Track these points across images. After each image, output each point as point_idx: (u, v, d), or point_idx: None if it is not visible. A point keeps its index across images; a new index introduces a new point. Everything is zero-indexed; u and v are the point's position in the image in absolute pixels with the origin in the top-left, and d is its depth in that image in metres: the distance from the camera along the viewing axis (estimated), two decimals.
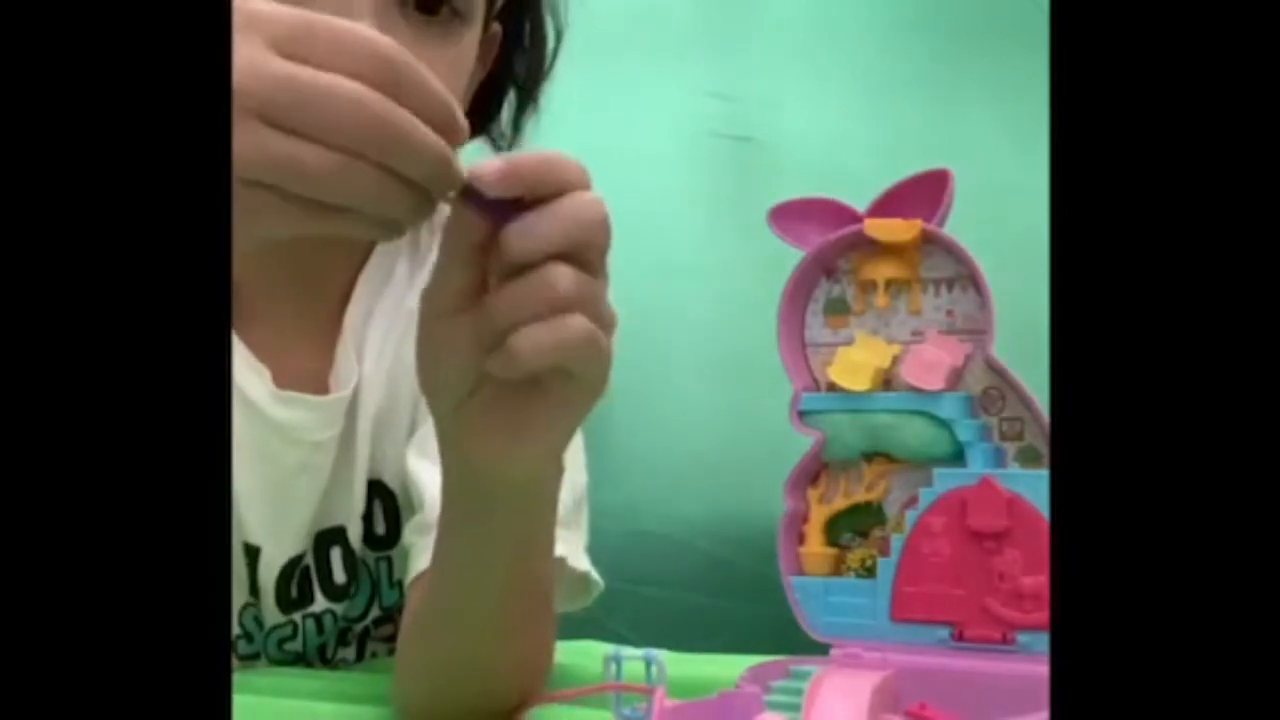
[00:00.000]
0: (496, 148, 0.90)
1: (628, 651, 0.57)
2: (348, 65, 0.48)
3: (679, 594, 1.50)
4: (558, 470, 0.63)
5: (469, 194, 0.52)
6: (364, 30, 0.49)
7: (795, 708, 0.56)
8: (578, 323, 0.52)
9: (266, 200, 0.48)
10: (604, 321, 0.54)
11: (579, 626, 0.87)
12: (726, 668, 0.67)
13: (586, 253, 0.53)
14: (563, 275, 0.52)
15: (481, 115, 0.88)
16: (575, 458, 0.89)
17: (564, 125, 1.13)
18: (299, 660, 0.88)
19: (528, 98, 0.90)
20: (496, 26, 0.84)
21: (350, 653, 0.91)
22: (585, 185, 0.54)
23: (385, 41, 0.49)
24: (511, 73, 0.89)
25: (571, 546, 0.83)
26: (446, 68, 0.74)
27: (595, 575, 0.84)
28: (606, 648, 0.58)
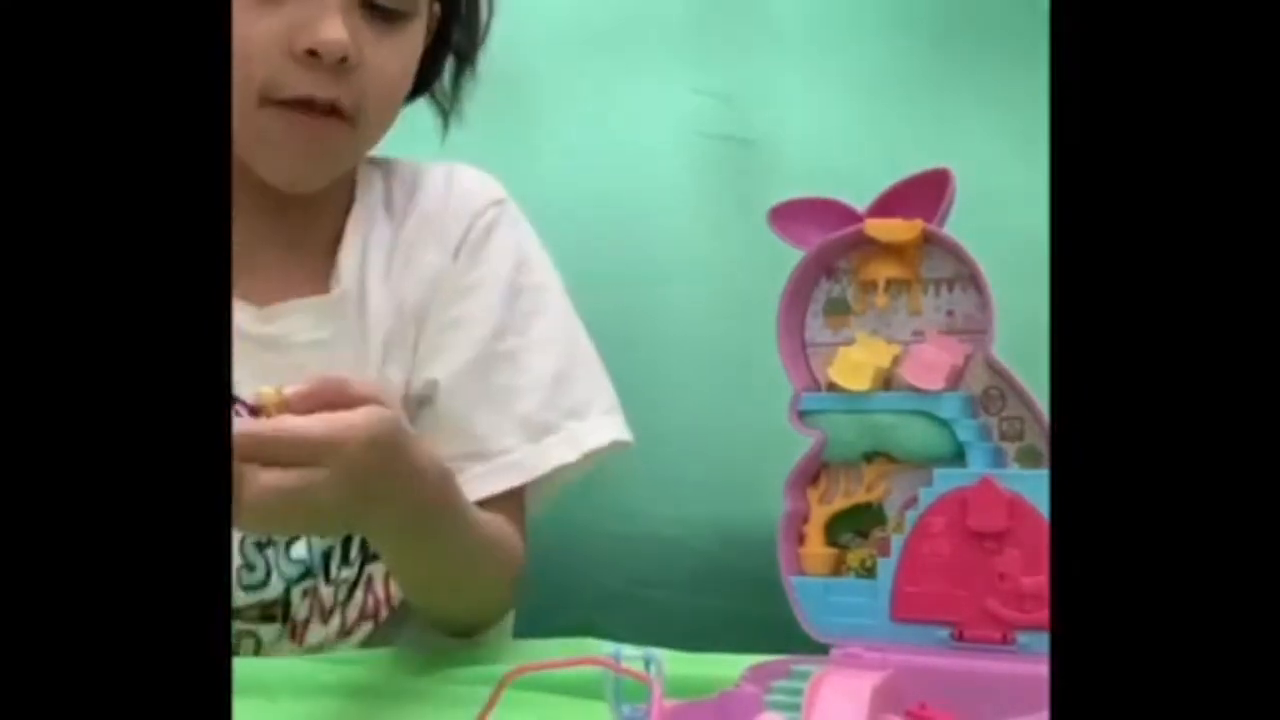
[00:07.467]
0: (439, 108, 1.03)
1: (627, 651, 0.57)
2: None
3: (679, 595, 1.50)
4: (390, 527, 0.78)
5: None
6: None
7: (795, 708, 0.56)
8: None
9: None
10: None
11: (579, 627, 0.87)
12: (726, 668, 0.67)
13: None
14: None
15: (424, 80, 1.01)
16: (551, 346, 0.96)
17: (563, 125, 1.13)
18: (306, 575, 0.91)
19: (465, 63, 1.03)
20: (436, 7, 0.97)
21: (351, 572, 0.93)
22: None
23: None
24: (450, 42, 1.01)
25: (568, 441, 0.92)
26: (399, 53, 0.91)
27: (599, 440, 0.93)
28: (607, 647, 0.58)
